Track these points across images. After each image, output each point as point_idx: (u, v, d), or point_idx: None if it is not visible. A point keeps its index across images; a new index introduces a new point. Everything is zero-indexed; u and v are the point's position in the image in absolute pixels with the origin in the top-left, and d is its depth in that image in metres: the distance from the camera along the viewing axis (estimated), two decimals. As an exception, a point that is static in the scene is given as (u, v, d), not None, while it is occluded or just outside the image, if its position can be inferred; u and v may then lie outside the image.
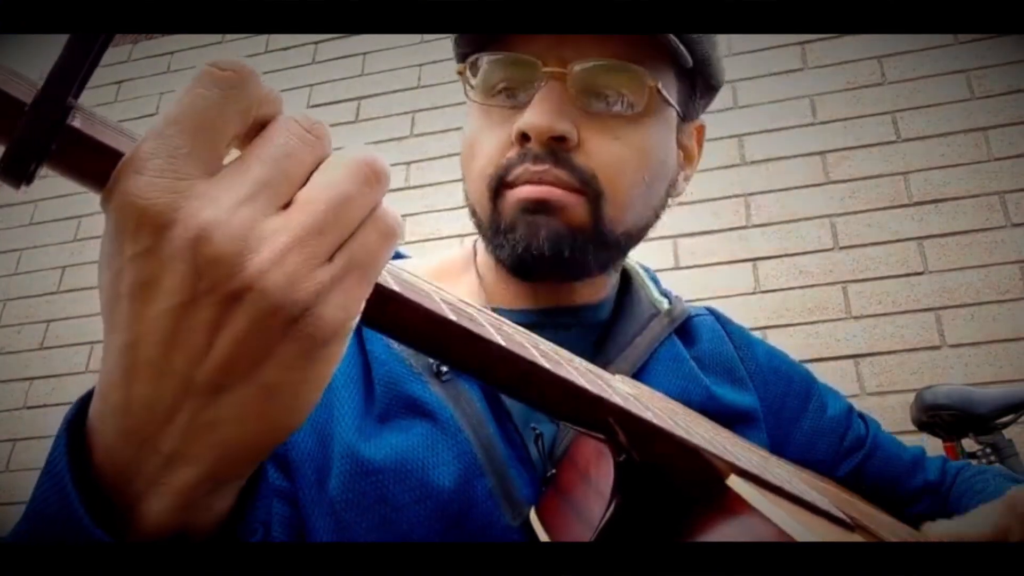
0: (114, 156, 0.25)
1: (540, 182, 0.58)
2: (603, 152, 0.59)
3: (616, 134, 0.60)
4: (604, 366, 0.62)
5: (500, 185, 0.59)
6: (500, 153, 0.60)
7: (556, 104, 0.57)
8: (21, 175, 0.23)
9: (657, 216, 0.67)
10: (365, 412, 0.56)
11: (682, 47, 0.60)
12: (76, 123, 0.25)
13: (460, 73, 0.64)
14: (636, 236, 0.64)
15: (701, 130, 0.71)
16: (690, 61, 0.61)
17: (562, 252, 0.58)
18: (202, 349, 0.26)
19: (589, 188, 0.58)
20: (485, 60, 0.61)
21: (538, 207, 0.58)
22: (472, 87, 0.63)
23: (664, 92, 0.61)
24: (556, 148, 0.58)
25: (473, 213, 0.65)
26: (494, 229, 0.60)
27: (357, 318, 0.28)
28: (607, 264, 0.65)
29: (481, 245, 0.71)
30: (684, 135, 0.68)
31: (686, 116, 0.66)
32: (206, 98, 0.25)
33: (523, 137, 0.58)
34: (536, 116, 0.57)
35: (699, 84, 0.66)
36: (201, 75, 0.26)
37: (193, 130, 0.25)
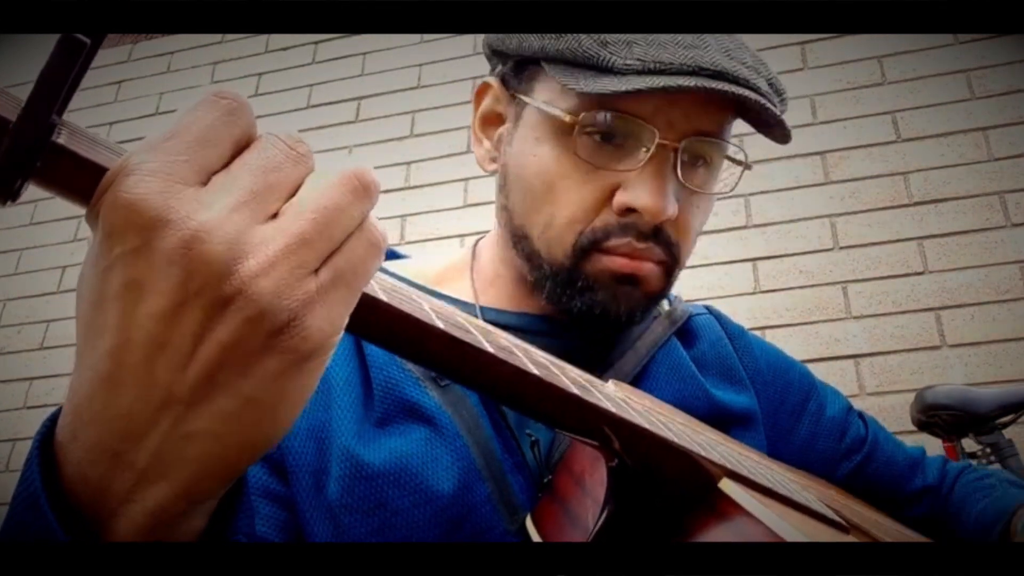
0: (100, 172, 0.25)
1: (639, 258, 0.58)
2: (688, 225, 0.60)
3: (697, 204, 0.61)
4: (604, 371, 0.62)
5: (591, 246, 0.58)
6: (594, 210, 0.57)
7: (666, 182, 0.57)
8: (6, 192, 0.24)
9: None
10: (364, 417, 0.56)
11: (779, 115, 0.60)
12: (61, 140, 0.25)
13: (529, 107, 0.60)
14: None
15: None
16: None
17: (633, 319, 0.61)
18: (185, 358, 0.25)
19: (672, 260, 0.60)
20: (602, 116, 0.56)
21: (628, 279, 0.58)
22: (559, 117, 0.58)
23: (739, 160, 0.63)
24: (659, 227, 0.58)
25: (527, 243, 0.61)
26: (566, 280, 0.59)
27: (342, 332, 0.28)
28: None
29: (481, 249, 0.70)
30: None
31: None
32: (207, 117, 0.26)
33: (630, 210, 0.57)
34: (654, 199, 0.56)
35: None
36: (203, 100, 0.27)
37: (192, 142, 0.26)
